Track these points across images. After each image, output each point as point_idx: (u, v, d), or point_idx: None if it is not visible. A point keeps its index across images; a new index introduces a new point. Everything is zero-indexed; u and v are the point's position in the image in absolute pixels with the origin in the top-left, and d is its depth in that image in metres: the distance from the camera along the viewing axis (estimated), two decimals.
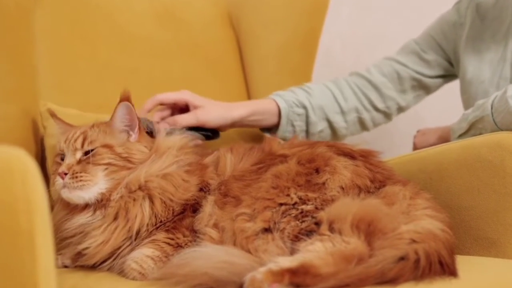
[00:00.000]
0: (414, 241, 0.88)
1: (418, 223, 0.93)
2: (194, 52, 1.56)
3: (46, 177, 1.17)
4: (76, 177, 1.00)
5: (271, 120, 1.37)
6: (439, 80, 1.49)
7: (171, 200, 1.02)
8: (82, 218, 1.02)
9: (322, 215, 0.93)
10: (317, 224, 0.92)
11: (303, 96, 1.41)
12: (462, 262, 0.92)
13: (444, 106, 1.82)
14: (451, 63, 1.47)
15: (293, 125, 1.39)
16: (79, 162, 1.03)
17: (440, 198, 1.09)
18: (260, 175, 1.03)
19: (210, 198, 1.04)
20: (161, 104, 1.25)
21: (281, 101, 1.37)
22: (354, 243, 0.88)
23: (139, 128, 1.09)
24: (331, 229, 0.90)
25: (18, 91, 1.21)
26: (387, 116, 1.49)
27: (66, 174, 1.01)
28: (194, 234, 1.01)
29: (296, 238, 0.92)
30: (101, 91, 1.38)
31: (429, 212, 0.97)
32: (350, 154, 1.09)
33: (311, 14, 1.60)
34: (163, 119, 1.26)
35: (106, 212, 1.01)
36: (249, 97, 1.60)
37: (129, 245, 1.01)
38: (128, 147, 1.06)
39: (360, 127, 1.48)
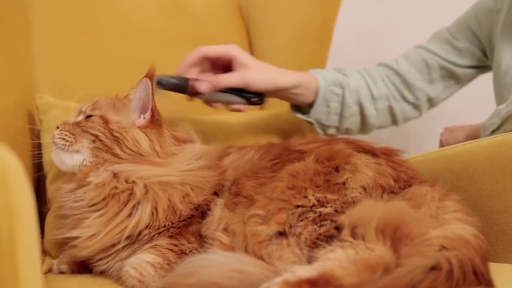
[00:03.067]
0: (444, 247, 0.81)
1: (448, 227, 0.86)
2: (201, 43, 1.40)
3: (43, 176, 1.14)
4: (61, 134, 0.99)
5: (309, 97, 1.27)
6: (470, 71, 1.41)
7: (176, 208, 0.96)
8: (69, 186, 0.99)
9: (343, 219, 0.86)
10: (338, 229, 0.85)
11: (341, 76, 1.32)
12: (495, 270, 0.85)
13: (460, 105, 1.76)
14: (485, 53, 1.39)
15: (328, 106, 1.30)
16: (76, 124, 1.00)
17: (468, 200, 1.00)
18: (275, 173, 0.96)
19: (220, 201, 0.97)
20: (205, 57, 1.15)
21: (321, 78, 1.28)
22: (379, 250, 0.81)
23: (152, 114, 1.02)
24: (353, 234, 0.83)
25: (13, 82, 1.16)
26: (417, 108, 1.41)
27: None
28: (201, 240, 0.95)
29: (314, 244, 0.85)
30: (101, 83, 1.32)
31: (459, 215, 0.90)
32: (371, 152, 1.02)
33: (325, 3, 1.53)
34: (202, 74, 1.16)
35: (87, 196, 0.95)
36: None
37: (128, 246, 0.95)
38: (125, 128, 1.00)
39: (390, 117, 1.40)
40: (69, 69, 1.32)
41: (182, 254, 0.93)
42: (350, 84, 1.32)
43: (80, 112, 1.04)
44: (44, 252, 1.10)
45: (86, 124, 1.00)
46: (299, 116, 1.31)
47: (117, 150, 0.98)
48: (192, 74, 1.13)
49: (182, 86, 1.10)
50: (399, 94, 1.38)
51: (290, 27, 1.53)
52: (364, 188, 0.92)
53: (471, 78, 1.43)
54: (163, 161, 0.99)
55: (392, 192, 0.94)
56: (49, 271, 1.06)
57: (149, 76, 1.01)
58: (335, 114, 1.32)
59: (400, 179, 0.97)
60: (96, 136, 0.98)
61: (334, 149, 1.00)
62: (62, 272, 1.02)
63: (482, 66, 1.41)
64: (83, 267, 1.01)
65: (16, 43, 1.20)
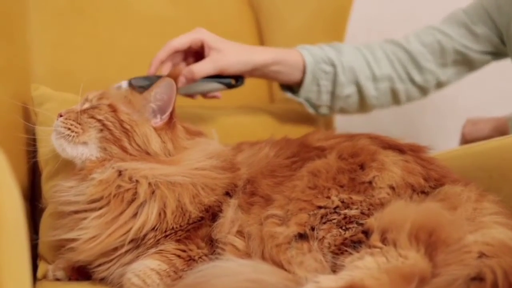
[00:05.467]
0: (484, 255, 0.76)
1: (486, 232, 0.80)
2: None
3: (38, 172, 1.08)
4: (67, 123, 0.94)
5: (294, 75, 1.23)
6: (486, 57, 1.35)
7: (185, 209, 0.90)
8: (70, 182, 0.94)
9: (372, 222, 0.80)
10: (366, 233, 0.80)
11: (333, 54, 1.27)
12: None
13: (473, 100, 1.74)
14: (502, 40, 1.34)
15: (318, 85, 1.26)
16: (82, 113, 0.95)
17: (503, 200, 0.92)
18: (294, 172, 0.91)
19: (233, 202, 0.92)
20: (176, 51, 1.13)
21: (308, 55, 1.24)
22: (413, 258, 0.75)
23: (171, 117, 0.96)
24: (383, 239, 0.78)
25: (7, 72, 1.12)
26: (424, 90, 1.36)
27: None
28: (212, 245, 0.89)
29: (339, 250, 0.80)
30: (102, 73, 1.27)
31: (498, 218, 0.84)
32: (398, 148, 0.96)
33: None
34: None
35: (88, 191, 0.90)
36: (269, 82, 1.50)
37: (131, 250, 0.90)
38: (136, 122, 0.95)
39: (392, 98, 1.35)
40: (68, 58, 1.27)
41: (190, 260, 0.88)
42: (344, 61, 1.27)
43: (86, 100, 0.99)
44: (39, 257, 1.05)
45: (92, 110, 0.95)
46: (289, 95, 1.28)
47: (126, 143, 0.93)
48: (165, 70, 1.12)
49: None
50: (406, 74, 1.32)
51: (302, 15, 1.48)
52: (393, 188, 0.87)
53: (484, 64, 1.37)
54: (171, 159, 0.94)
55: (422, 192, 0.89)
56: (44, 277, 1.01)
57: (174, 76, 0.96)
58: (326, 93, 1.27)
59: (431, 177, 0.91)
60: (103, 124, 0.93)
61: (358, 145, 0.94)
62: (58, 279, 0.98)
63: (499, 53, 1.35)
64: (81, 273, 0.96)
65: (11, 29, 1.16)
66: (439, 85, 1.36)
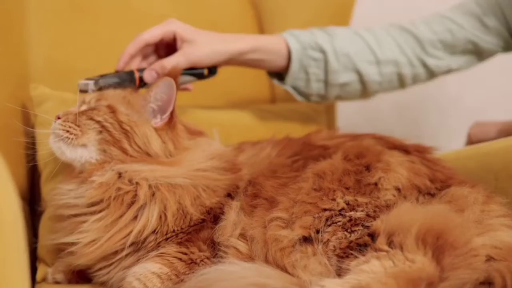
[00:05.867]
0: (492, 258, 0.75)
1: (494, 234, 0.80)
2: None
3: (38, 173, 1.07)
4: (65, 125, 0.92)
5: (279, 62, 1.17)
6: (495, 49, 1.32)
7: (186, 211, 0.88)
8: (69, 185, 0.92)
9: (378, 224, 0.78)
10: (372, 236, 0.78)
11: (324, 39, 1.21)
12: None
13: (478, 100, 1.72)
14: (511, 35, 1.31)
15: (307, 72, 1.20)
16: (81, 114, 0.94)
17: (510, 202, 0.90)
18: (297, 172, 0.89)
19: (235, 204, 0.90)
20: (147, 45, 1.08)
21: (294, 41, 1.18)
22: (420, 262, 0.73)
23: (172, 117, 0.94)
24: (390, 243, 0.76)
25: (5, 71, 1.10)
26: (432, 75, 1.31)
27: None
28: (214, 248, 0.87)
29: (345, 253, 0.78)
30: (102, 72, 1.17)
31: (506, 221, 0.83)
32: (403, 148, 0.95)
33: None
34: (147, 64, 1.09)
35: (88, 193, 0.88)
36: (271, 81, 1.44)
37: (131, 254, 0.88)
38: (136, 123, 0.93)
39: (398, 83, 1.29)
40: (67, 57, 1.25)
41: (192, 263, 0.86)
42: (337, 47, 1.21)
43: (83, 102, 0.97)
44: (38, 259, 1.03)
45: (91, 112, 0.93)
46: (276, 82, 1.23)
47: (126, 145, 0.91)
48: (135, 65, 1.08)
49: (127, 81, 1.03)
50: (417, 58, 1.27)
51: (305, 13, 1.46)
52: (398, 190, 0.86)
53: (491, 56, 1.34)
54: (171, 160, 0.92)
55: (428, 193, 0.88)
56: (43, 280, 1.00)
57: (173, 75, 0.94)
58: (317, 81, 1.21)
59: (437, 179, 0.90)
60: (102, 125, 0.91)
61: (363, 145, 0.93)
62: (57, 282, 0.97)
63: (507, 47, 1.32)
64: (80, 276, 0.94)
65: (10, 27, 1.14)
66: (449, 71, 1.32)
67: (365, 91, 1.26)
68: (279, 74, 1.22)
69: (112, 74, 1.04)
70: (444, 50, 1.28)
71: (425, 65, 1.27)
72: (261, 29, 1.52)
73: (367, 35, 1.24)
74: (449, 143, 1.66)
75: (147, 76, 1.03)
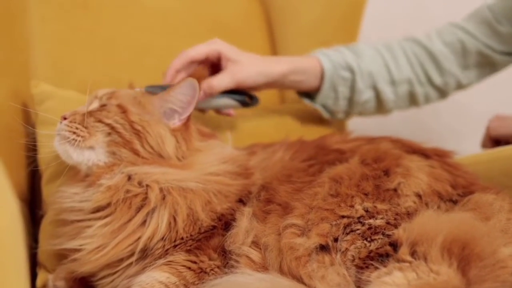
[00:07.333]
0: None
1: None
2: (216, 28, 1.41)
3: (39, 174, 1.03)
4: (71, 127, 0.88)
5: (312, 82, 1.20)
6: (509, 58, 1.30)
7: (197, 217, 0.85)
8: (74, 188, 0.88)
9: (400, 233, 0.74)
10: (393, 245, 0.74)
11: (351, 58, 1.23)
12: None
13: (487, 104, 1.67)
14: None
15: (336, 91, 1.22)
16: (88, 114, 0.90)
17: None
18: (313, 176, 0.85)
19: (247, 210, 0.86)
20: (192, 61, 1.08)
21: (326, 61, 1.20)
22: (446, 274, 0.69)
23: (189, 119, 0.92)
24: (413, 253, 0.72)
25: (6, 68, 1.08)
26: (443, 93, 1.32)
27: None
28: (225, 257, 0.84)
29: (364, 264, 0.74)
30: (105, 69, 1.22)
31: None
32: (422, 152, 0.91)
33: None
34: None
35: (95, 197, 0.85)
36: None
37: (137, 261, 0.84)
38: (148, 122, 0.89)
39: (410, 101, 1.31)
40: (69, 54, 1.22)
41: (202, 273, 0.82)
42: (362, 67, 1.23)
43: (95, 98, 0.93)
44: (39, 265, 1.00)
45: (100, 113, 0.89)
46: (306, 101, 1.24)
47: (137, 146, 0.87)
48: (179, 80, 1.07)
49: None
50: (425, 77, 1.28)
51: (316, 9, 1.44)
52: (419, 196, 0.82)
53: (506, 66, 1.33)
54: (183, 163, 0.89)
55: (450, 200, 0.84)
56: (44, 287, 0.97)
57: (197, 76, 0.91)
58: (344, 99, 1.23)
59: (458, 184, 0.86)
60: (111, 127, 0.88)
61: (381, 149, 0.89)
62: None
63: None
64: (83, 284, 0.90)
65: (11, 24, 1.13)
66: (459, 87, 1.32)
67: (380, 108, 1.28)
68: (307, 93, 1.23)
69: (159, 86, 1.01)
70: (457, 63, 1.28)
71: (432, 84, 1.28)
72: (268, 25, 1.51)
73: (386, 53, 1.26)
74: (458, 147, 1.64)
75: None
